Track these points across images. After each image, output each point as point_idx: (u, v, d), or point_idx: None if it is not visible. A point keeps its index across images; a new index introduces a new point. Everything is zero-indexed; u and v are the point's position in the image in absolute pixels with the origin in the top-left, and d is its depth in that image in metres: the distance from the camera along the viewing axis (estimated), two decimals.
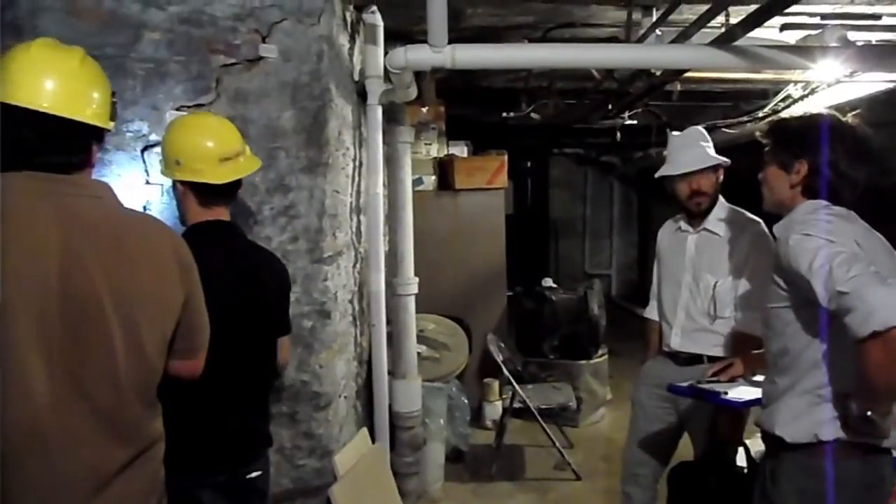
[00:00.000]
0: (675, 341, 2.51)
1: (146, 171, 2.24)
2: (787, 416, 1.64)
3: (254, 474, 1.82)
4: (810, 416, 1.60)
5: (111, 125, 1.34)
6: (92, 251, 1.21)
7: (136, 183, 2.24)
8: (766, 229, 2.41)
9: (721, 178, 2.49)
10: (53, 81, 1.24)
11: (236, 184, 1.83)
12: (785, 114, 4.07)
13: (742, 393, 2.00)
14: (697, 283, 2.47)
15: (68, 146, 1.25)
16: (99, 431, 1.22)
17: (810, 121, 1.72)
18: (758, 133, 1.83)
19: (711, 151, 2.48)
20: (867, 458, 1.57)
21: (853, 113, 1.75)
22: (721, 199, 2.51)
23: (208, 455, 1.74)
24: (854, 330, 1.38)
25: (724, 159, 2.47)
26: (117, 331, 1.22)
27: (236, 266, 1.76)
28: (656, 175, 2.53)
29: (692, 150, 2.46)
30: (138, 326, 1.25)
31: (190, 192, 1.78)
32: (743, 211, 2.49)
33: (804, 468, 1.60)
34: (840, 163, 1.64)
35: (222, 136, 1.80)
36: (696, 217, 2.50)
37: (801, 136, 1.69)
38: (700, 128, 2.59)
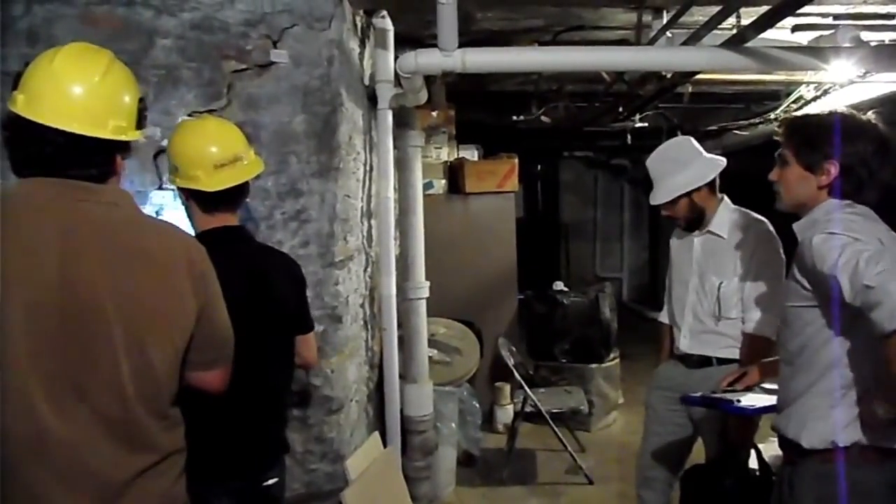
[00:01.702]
0: (685, 343, 2.51)
1: (159, 176, 2.26)
2: (804, 419, 1.62)
3: (270, 481, 1.80)
4: (827, 420, 1.58)
5: (137, 135, 1.32)
6: (98, 259, 1.20)
7: (149, 188, 2.26)
8: (771, 228, 2.40)
9: (712, 187, 2.46)
10: (74, 98, 1.21)
11: (241, 189, 1.78)
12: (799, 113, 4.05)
13: (755, 400, 1.98)
14: (703, 285, 2.46)
15: (90, 161, 1.24)
16: (104, 441, 1.19)
17: (836, 119, 1.68)
18: (776, 134, 1.78)
19: (685, 170, 2.45)
20: (885, 463, 1.54)
21: (873, 111, 1.72)
22: (726, 199, 2.50)
23: (225, 462, 1.73)
24: (880, 325, 1.36)
25: (687, 186, 2.43)
26: (120, 340, 1.19)
27: (247, 271, 1.74)
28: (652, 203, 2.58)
29: (663, 180, 2.51)
30: (143, 336, 1.22)
31: (191, 198, 1.76)
32: (748, 211, 2.48)
33: (821, 475, 1.58)
34: (871, 162, 1.62)
35: (218, 141, 1.74)
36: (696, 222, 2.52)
37: (830, 135, 1.64)
38: (673, 143, 2.62)
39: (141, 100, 1.33)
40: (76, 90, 1.22)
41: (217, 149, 1.73)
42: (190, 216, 1.80)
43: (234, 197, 1.78)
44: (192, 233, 1.78)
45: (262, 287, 1.78)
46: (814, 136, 1.69)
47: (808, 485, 1.61)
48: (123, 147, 1.30)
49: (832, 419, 1.57)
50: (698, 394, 2.18)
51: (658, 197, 2.52)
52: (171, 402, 1.31)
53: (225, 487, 1.73)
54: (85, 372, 1.18)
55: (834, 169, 1.64)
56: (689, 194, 2.46)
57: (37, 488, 1.15)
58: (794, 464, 1.65)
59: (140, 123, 1.32)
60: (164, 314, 1.26)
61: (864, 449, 1.54)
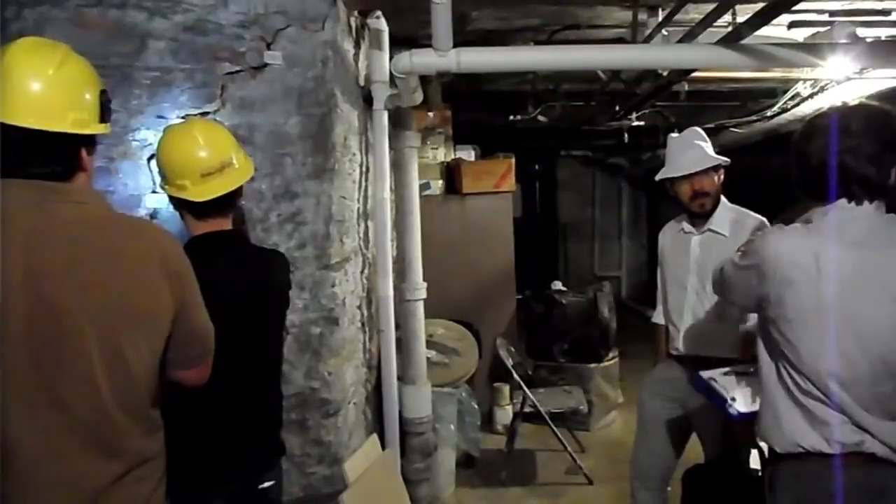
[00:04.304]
0: (683, 344, 2.49)
1: (153, 179, 2.25)
2: (770, 421, 1.59)
3: (267, 484, 1.79)
4: (789, 422, 1.54)
5: (102, 128, 1.28)
6: (65, 259, 1.16)
7: (144, 191, 2.25)
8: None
9: (721, 177, 2.46)
10: (28, 92, 1.18)
11: (232, 194, 1.75)
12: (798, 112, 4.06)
13: (747, 405, 1.96)
14: (704, 285, 2.44)
15: (52, 157, 1.20)
16: (79, 446, 1.17)
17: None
18: None
19: (710, 151, 2.46)
20: (868, 467, 1.49)
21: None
22: (723, 199, 2.49)
23: (221, 465, 1.71)
24: None
25: (724, 159, 2.44)
26: (92, 341, 1.16)
27: (242, 275, 1.73)
28: (657, 178, 2.52)
29: (692, 151, 2.44)
30: (118, 336, 1.19)
31: (182, 206, 1.73)
32: (746, 210, 2.47)
33: (800, 476, 1.55)
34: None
35: (204, 149, 1.69)
36: (700, 218, 2.48)
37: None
38: (697, 128, 2.57)
39: (103, 92, 1.29)
40: (30, 84, 1.19)
41: (203, 157, 1.68)
42: (184, 221, 1.78)
43: (224, 203, 1.74)
44: (187, 236, 1.76)
45: (258, 291, 1.77)
46: None
47: (785, 487, 1.58)
48: (88, 141, 1.27)
49: (794, 423, 1.53)
50: (706, 374, 2.14)
51: (697, 162, 2.39)
52: (151, 405, 1.29)
53: (221, 491, 1.72)
54: (57, 376, 1.15)
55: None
56: (716, 172, 2.43)
57: (13, 498, 1.12)
58: (774, 464, 1.62)
59: (104, 116, 1.29)
60: (138, 314, 1.24)
61: (845, 453, 1.49)
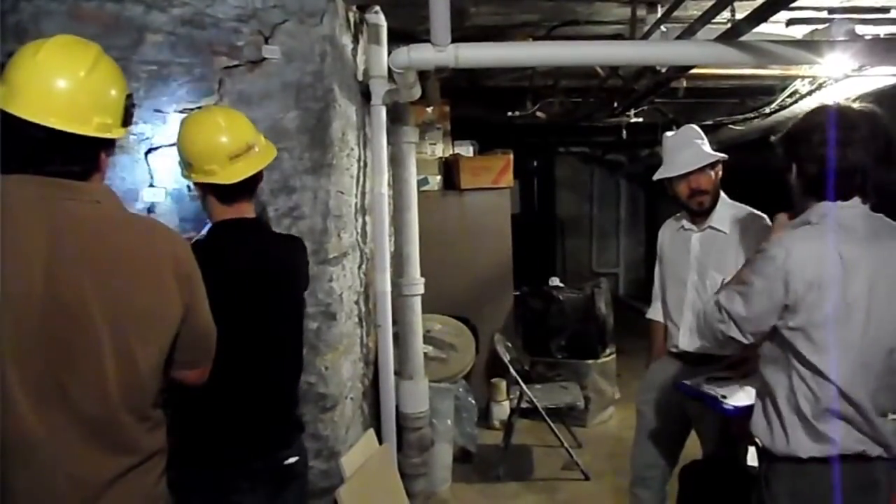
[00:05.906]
0: (684, 341, 2.49)
1: (150, 174, 2.24)
2: (763, 424, 1.63)
3: (291, 460, 1.80)
4: (785, 428, 1.58)
5: (123, 132, 1.29)
6: (82, 257, 1.17)
7: (141, 186, 2.24)
8: (770, 224, 2.39)
9: (719, 174, 2.46)
10: (57, 92, 1.18)
11: (256, 177, 1.78)
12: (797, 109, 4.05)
13: (740, 400, 1.97)
14: (704, 282, 2.44)
15: (71, 157, 1.21)
16: (86, 442, 1.17)
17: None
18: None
19: (707, 148, 2.45)
20: (860, 463, 1.55)
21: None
22: (723, 195, 2.49)
23: (243, 442, 1.73)
24: None
25: (721, 155, 2.44)
26: (106, 339, 1.18)
27: (264, 260, 1.75)
28: (655, 177, 2.52)
29: (688, 149, 2.44)
30: (128, 336, 1.21)
31: (209, 192, 1.75)
32: (746, 207, 2.47)
33: (795, 471, 1.59)
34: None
35: (230, 132, 1.73)
36: (700, 215, 2.48)
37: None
38: (693, 126, 2.57)
39: (129, 96, 1.30)
40: (60, 84, 1.19)
41: (229, 140, 1.72)
42: (208, 209, 1.79)
43: (251, 185, 1.78)
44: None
45: (283, 272, 1.80)
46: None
47: (781, 481, 1.61)
48: (108, 144, 1.28)
49: (789, 428, 1.57)
50: (690, 381, 2.17)
51: (693, 161, 2.39)
52: (153, 404, 1.30)
53: (244, 469, 1.73)
54: (67, 372, 1.16)
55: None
56: (714, 169, 2.42)
57: (20, 493, 1.13)
58: (771, 461, 1.65)
59: (127, 120, 1.30)
60: (149, 314, 1.25)
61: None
